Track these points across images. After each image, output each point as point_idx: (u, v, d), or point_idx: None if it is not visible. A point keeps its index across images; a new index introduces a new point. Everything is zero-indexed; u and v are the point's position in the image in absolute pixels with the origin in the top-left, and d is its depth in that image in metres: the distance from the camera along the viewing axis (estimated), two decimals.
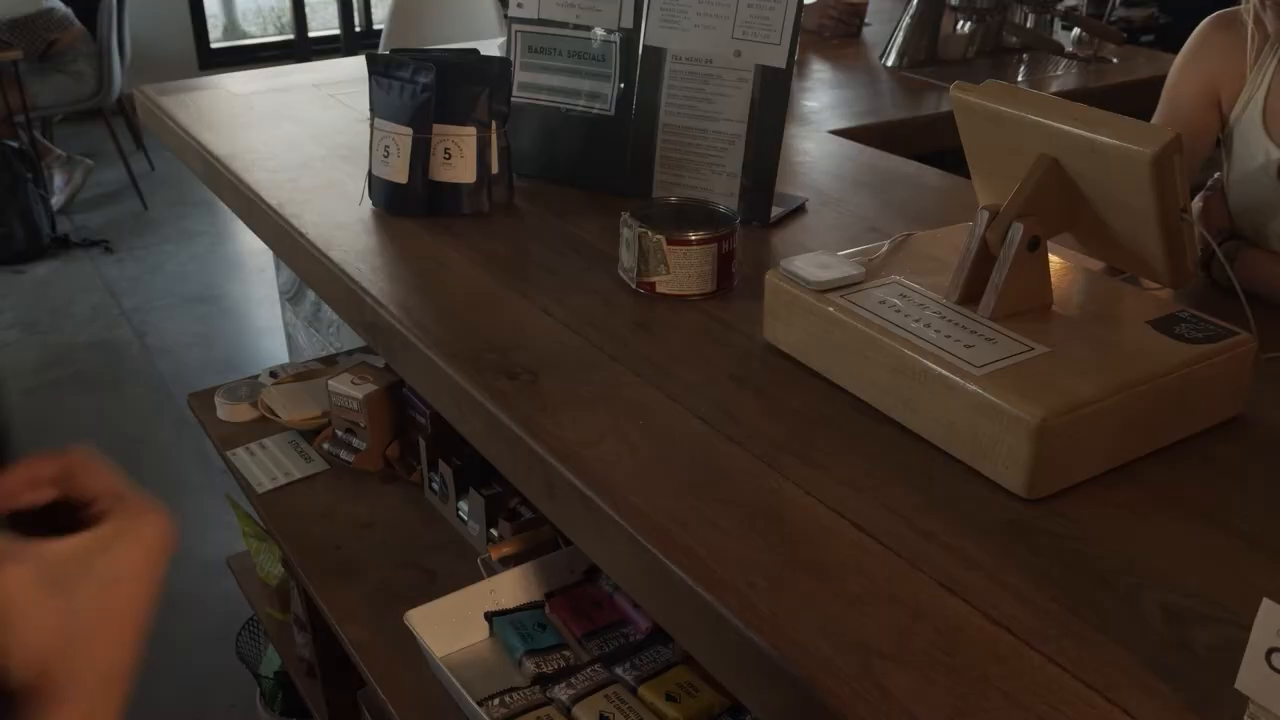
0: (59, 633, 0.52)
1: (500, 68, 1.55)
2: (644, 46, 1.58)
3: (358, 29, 4.62)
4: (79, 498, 0.58)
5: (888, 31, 2.60)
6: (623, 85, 1.61)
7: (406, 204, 1.56)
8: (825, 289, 1.13)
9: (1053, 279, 1.12)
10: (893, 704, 0.75)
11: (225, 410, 2.08)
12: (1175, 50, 1.52)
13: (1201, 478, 0.99)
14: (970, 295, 1.10)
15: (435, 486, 1.76)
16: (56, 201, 5.09)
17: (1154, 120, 1.47)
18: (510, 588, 1.45)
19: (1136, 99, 2.20)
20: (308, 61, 3.66)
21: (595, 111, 1.64)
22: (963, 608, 0.83)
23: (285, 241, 1.57)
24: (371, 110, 1.57)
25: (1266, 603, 0.64)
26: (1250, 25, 1.36)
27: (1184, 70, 1.44)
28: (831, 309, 1.11)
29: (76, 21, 5.14)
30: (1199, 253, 1.21)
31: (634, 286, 1.33)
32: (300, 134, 1.90)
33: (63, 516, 0.57)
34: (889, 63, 2.51)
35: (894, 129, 2.13)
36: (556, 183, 1.68)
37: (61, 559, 0.54)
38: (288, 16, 4.47)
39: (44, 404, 3.71)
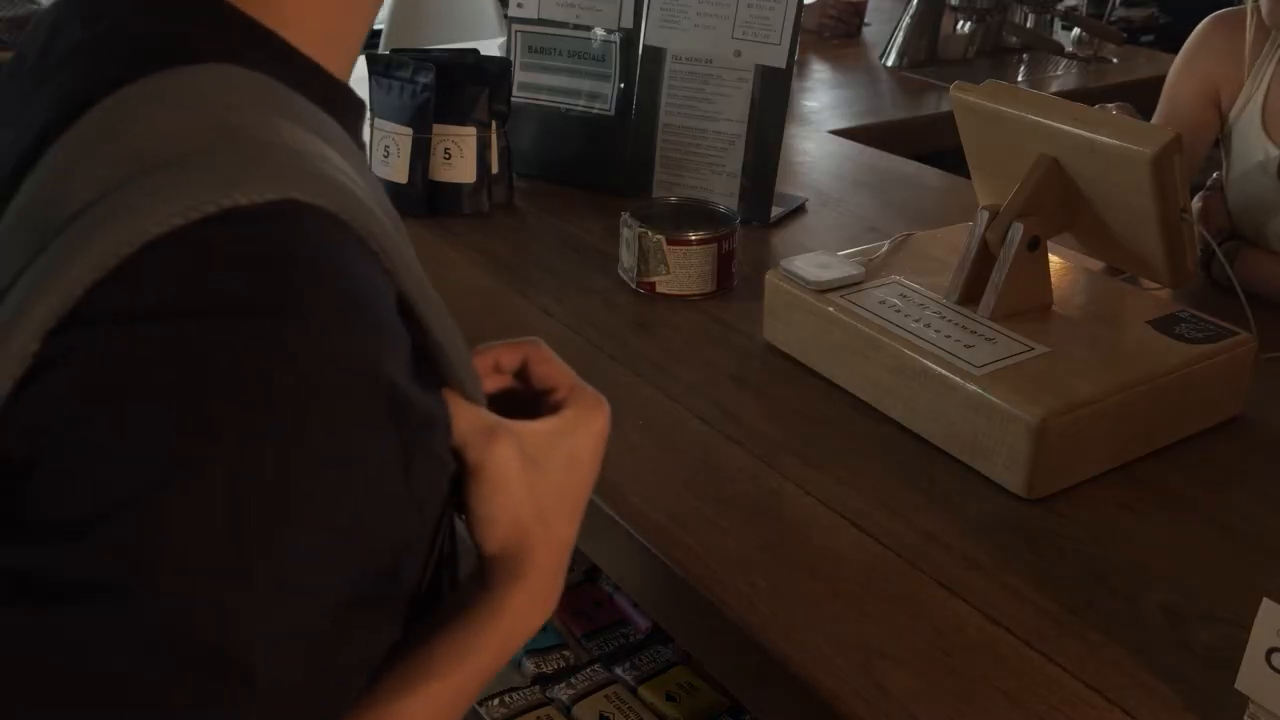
0: (533, 506, 0.58)
1: (500, 68, 1.56)
2: (644, 46, 1.58)
3: None
4: (536, 385, 0.64)
5: (888, 31, 2.60)
6: (623, 85, 1.61)
7: (406, 204, 1.55)
8: (825, 289, 1.13)
9: (1053, 279, 1.12)
10: (893, 704, 0.75)
11: None
12: (1175, 50, 1.52)
13: (1201, 478, 0.99)
14: (970, 295, 1.10)
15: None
16: None
17: (1154, 120, 1.47)
18: None
19: (1136, 99, 2.19)
20: None
21: (595, 111, 1.64)
22: (963, 608, 0.83)
23: None
24: (371, 110, 1.57)
25: (1266, 603, 0.64)
26: (1250, 24, 1.36)
27: (1184, 70, 1.44)
28: (831, 309, 1.11)
29: None
30: (1199, 253, 1.21)
31: (634, 286, 1.33)
32: None
33: (521, 402, 0.62)
34: (889, 63, 2.51)
35: (894, 129, 2.13)
36: (556, 183, 1.68)
37: (537, 439, 0.60)
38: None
39: None
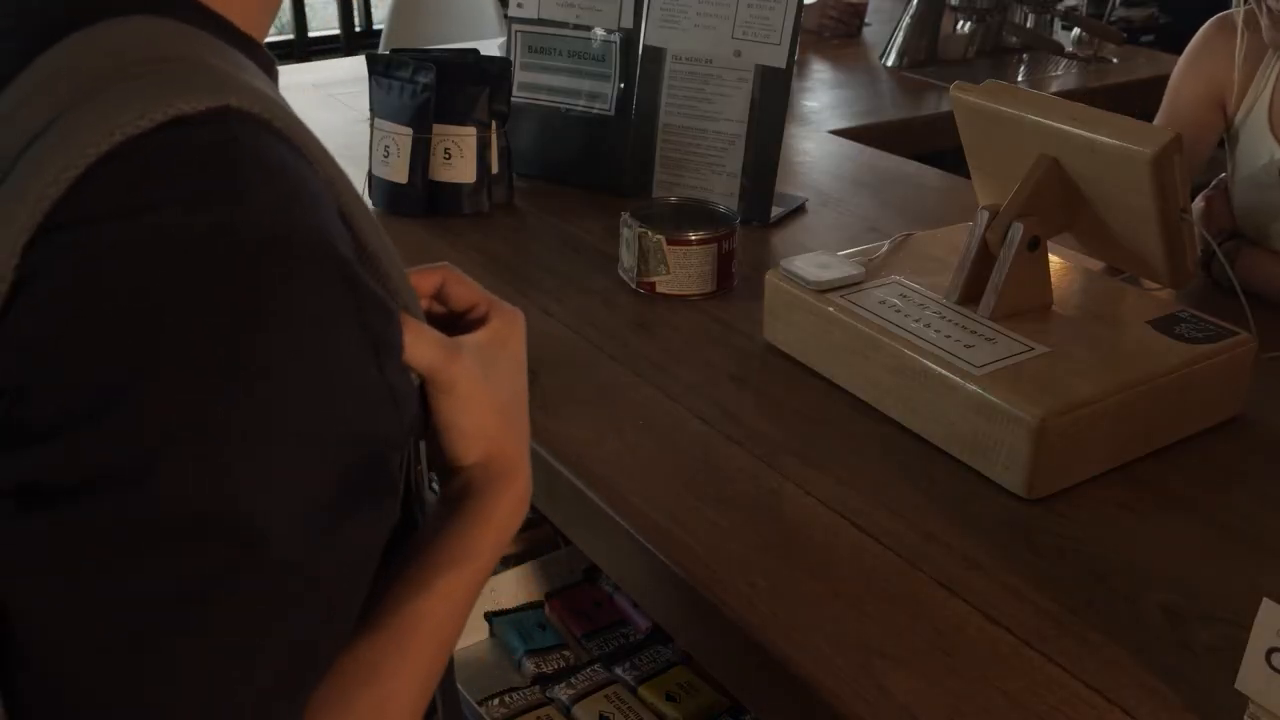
0: (498, 411, 0.64)
1: (500, 68, 1.55)
2: (644, 46, 1.58)
3: (358, 29, 4.62)
4: (455, 306, 0.69)
5: (888, 31, 2.60)
6: (623, 85, 1.61)
7: (406, 204, 1.56)
8: (825, 289, 1.13)
9: (1053, 279, 1.12)
10: (893, 704, 0.75)
11: None
12: (1175, 50, 1.52)
13: (1201, 478, 0.99)
14: (970, 295, 1.10)
15: (435, 487, 1.76)
16: None
17: (1156, 121, 1.47)
18: (510, 588, 1.45)
19: (1136, 99, 2.20)
20: (308, 61, 3.67)
21: (595, 111, 1.64)
22: (963, 608, 0.83)
23: None
24: (371, 110, 1.57)
25: (1266, 603, 0.64)
26: (1240, 31, 1.36)
27: (1186, 71, 1.44)
28: (831, 309, 1.11)
29: None
30: (1199, 253, 1.21)
31: (634, 286, 1.33)
32: None
33: (443, 323, 0.66)
34: (889, 63, 2.51)
35: (894, 129, 2.13)
36: (556, 183, 1.68)
37: (482, 349, 0.65)
38: (288, 16, 4.47)
39: None
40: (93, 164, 0.48)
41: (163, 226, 0.48)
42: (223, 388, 0.47)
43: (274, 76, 0.65)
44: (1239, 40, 1.36)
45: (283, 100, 0.59)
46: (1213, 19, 1.43)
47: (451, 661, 0.68)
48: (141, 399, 0.46)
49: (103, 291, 0.47)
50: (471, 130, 1.53)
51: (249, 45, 0.61)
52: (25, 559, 0.46)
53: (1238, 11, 1.37)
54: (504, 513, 0.65)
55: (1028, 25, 2.64)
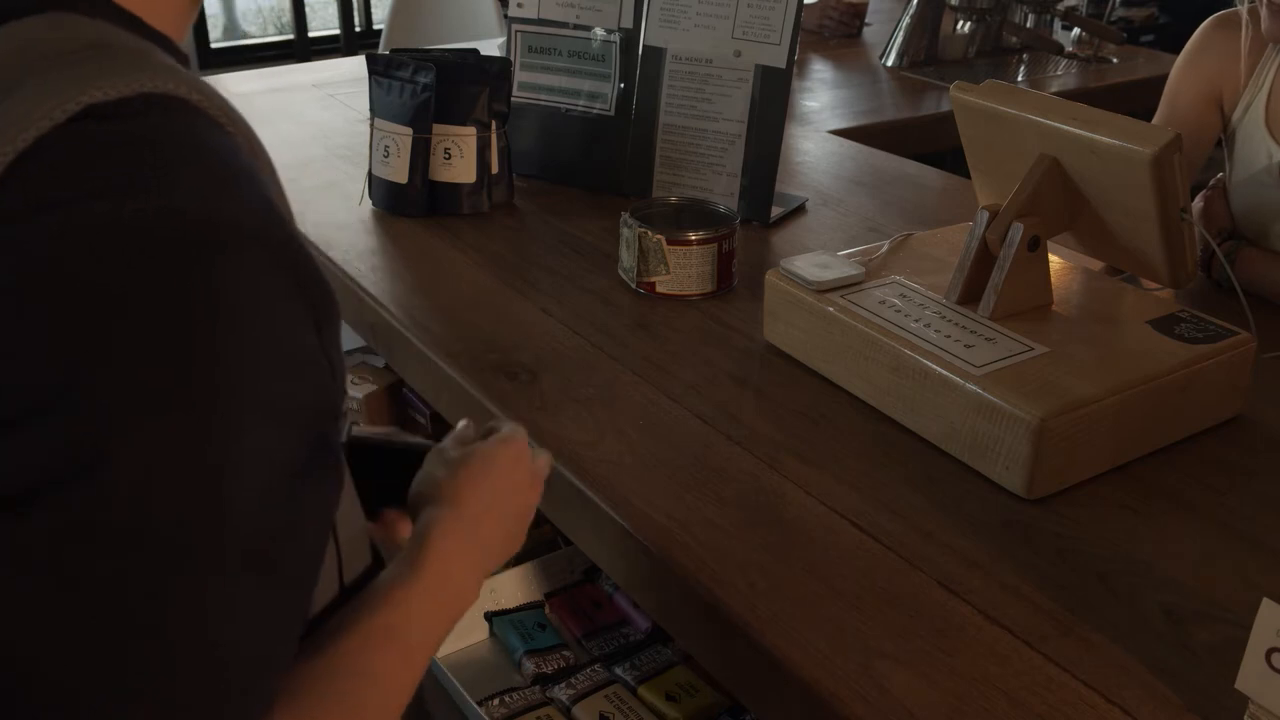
0: (467, 471, 0.76)
1: (500, 68, 1.55)
2: (644, 46, 1.58)
3: (358, 29, 4.62)
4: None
5: (888, 31, 2.60)
6: (623, 85, 1.61)
7: (406, 204, 1.56)
8: (825, 289, 1.13)
9: (1053, 279, 1.12)
10: (893, 704, 0.75)
11: None
12: (1175, 50, 1.52)
13: (1201, 478, 0.99)
14: (970, 295, 1.10)
15: None
16: None
17: (1155, 120, 1.47)
18: (510, 588, 1.45)
19: (1136, 99, 2.20)
20: (308, 61, 3.67)
21: (595, 111, 1.64)
22: (963, 608, 0.83)
23: None
24: (371, 110, 1.57)
25: (1266, 603, 0.64)
26: (1245, 24, 1.36)
27: (1185, 71, 1.44)
28: (831, 309, 1.11)
29: None
30: (1199, 253, 1.21)
31: (634, 286, 1.33)
32: (300, 134, 1.90)
33: None
34: (889, 63, 2.51)
35: (894, 129, 2.13)
36: (556, 183, 1.68)
37: (462, 444, 0.80)
38: (288, 16, 4.47)
39: None
40: (11, 163, 0.48)
41: (86, 219, 0.48)
42: (164, 375, 0.48)
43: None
44: (1244, 34, 1.36)
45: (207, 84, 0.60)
46: (1211, 18, 1.43)
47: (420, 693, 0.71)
48: (83, 395, 0.46)
49: (33, 290, 0.47)
50: (471, 130, 1.53)
51: (160, 43, 0.61)
52: None
53: (1240, 9, 1.37)
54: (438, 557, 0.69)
55: (1028, 25, 2.64)
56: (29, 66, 0.52)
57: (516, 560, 1.50)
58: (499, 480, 0.78)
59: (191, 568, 0.48)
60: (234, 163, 0.54)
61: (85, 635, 0.46)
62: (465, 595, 0.72)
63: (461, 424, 0.86)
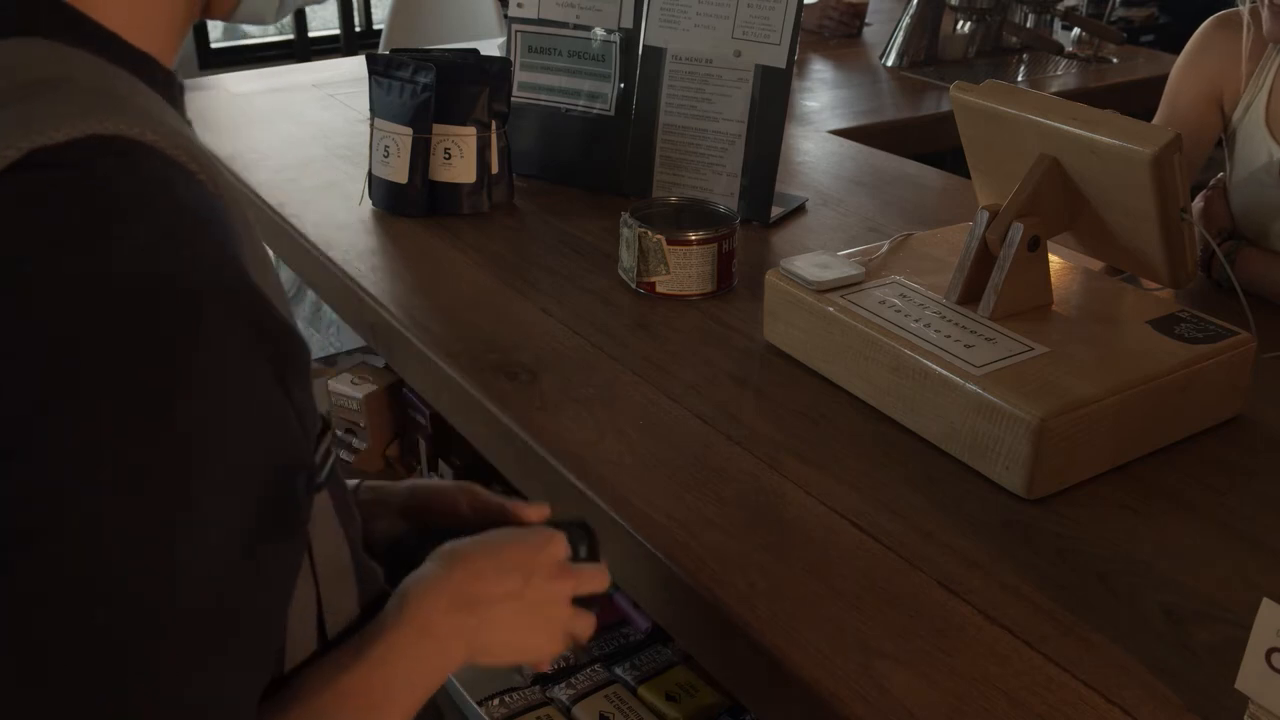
0: (476, 540, 0.73)
1: (500, 68, 1.55)
2: (644, 46, 1.58)
3: (358, 29, 4.62)
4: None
5: (888, 31, 2.60)
6: (623, 85, 1.61)
7: (406, 204, 1.56)
8: (825, 289, 1.13)
9: (1053, 279, 1.12)
10: (893, 704, 0.75)
11: None
12: (1175, 50, 1.52)
13: (1201, 478, 0.99)
14: (970, 295, 1.10)
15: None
16: None
17: (1156, 120, 1.47)
18: None
19: (1136, 99, 2.20)
20: (308, 61, 3.67)
21: (595, 111, 1.64)
22: (963, 608, 0.83)
23: (285, 241, 1.57)
24: (371, 110, 1.57)
25: (1266, 602, 0.64)
26: (1246, 24, 1.36)
27: (1185, 71, 1.44)
28: (831, 309, 1.11)
29: None
30: (1199, 253, 1.21)
31: (634, 286, 1.33)
32: (300, 134, 1.90)
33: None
34: (889, 63, 2.51)
35: (894, 129, 2.13)
36: (556, 183, 1.68)
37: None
38: (288, 16, 4.48)
39: None
40: None
41: (28, 278, 0.46)
42: (104, 442, 0.45)
43: (175, 95, 0.62)
44: (1245, 35, 1.36)
45: (174, 118, 0.56)
46: (1212, 18, 1.43)
47: None
48: (20, 465, 0.44)
49: None
50: (471, 130, 1.53)
51: (142, 63, 0.58)
52: None
53: (1241, 9, 1.37)
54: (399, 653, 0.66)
55: (1028, 25, 2.64)
56: None
57: None
58: (513, 555, 0.74)
59: (142, 633, 0.46)
60: (188, 210, 0.51)
61: (32, 701, 0.44)
62: (448, 657, 0.68)
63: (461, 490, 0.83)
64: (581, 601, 0.79)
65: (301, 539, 0.56)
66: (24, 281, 0.46)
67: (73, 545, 0.45)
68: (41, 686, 0.45)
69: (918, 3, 2.51)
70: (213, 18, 0.65)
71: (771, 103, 1.52)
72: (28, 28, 0.53)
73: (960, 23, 2.58)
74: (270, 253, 0.58)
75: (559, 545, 0.77)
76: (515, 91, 1.64)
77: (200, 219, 0.51)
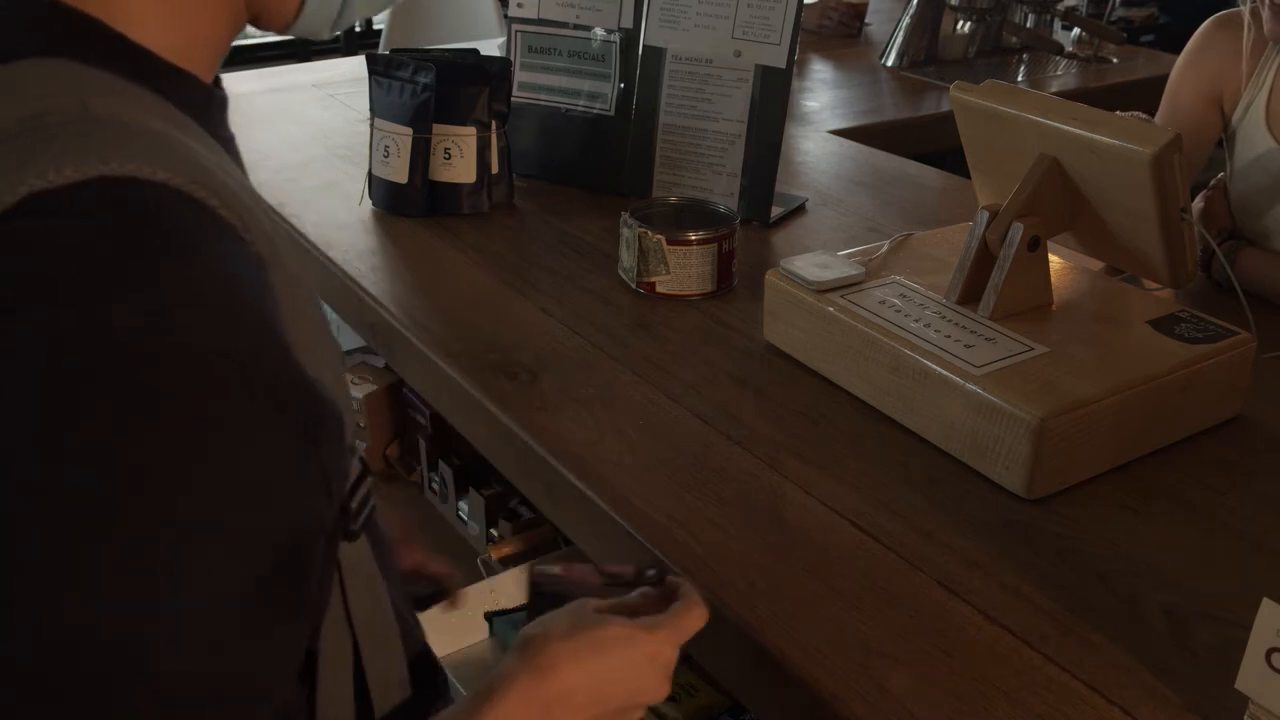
0: (576, 644, 0.68)
1: (500, 68, 1.55)
2: (644, 46, 1.58)
3: (358, 29, 4.62)
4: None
5: (888, 31, 2.60)
6: (623, 85, 1.61)
7: (406, 204, 1.56)
8: (825, 289, 1.13)
9: (1053, 279, 1.12)
10: (893, 704, 0.75)
11: None
12: (1175, 50, 1.52)
13: (1201, 478, 0.99)
14: (970, 295, 1.10)
15: (435, 486, 1.76)
16: None
17: (1156, 120, 1.47)
18: (510, 588, 1.45)
19: (1136, 99, 2.19)
20: (308, 61, 3.66)
21: (595, 111, 1.64)
22: (963, 608, 0.83)
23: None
24: (371, 110, 1.57)
25: (1266, 602, 0.64)
26: (1246, 24, 1.36)
27: (1186, 71, 1.44)
28: (831, 309, 1.11)
29: None
30: (1199, 253, 1.21)
31: (634, 286, 1.33)
32: (300, 134, 1.90)
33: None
34: (889, 63, 2.51)
35: (894, 129, 2.13)
36: (556, 183, 1.68)
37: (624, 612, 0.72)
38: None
39: None
40: None
41: (19, 333, 0.42)
42: (87, 516, 0.43)
43: (214, 113, 0.58)
44: (1245, 34, 1.36)
45: (203, 146, 0.52)
46: (1212, 18, 1.43)
47: None
48: (12, 524, 0.42)
49: None
50: (471, 130, 1.53)
51: (177, 82, 0.54)
52: None
53: (1242, 9, 1.37)
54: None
55: (1028, 25, 2.64)
56: None
57: (516, 560, 1.50)
58: (611, 672, 0.68)
59: (120, 689, 0.44)
60: (208, 261, 0.46)
61: None
62: None
63: (637, 592, 0.76)
64: None
65: (309, 612, 0.53)
66: (10, 336, 0.42)
67: (59, 597, 0.43)
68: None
69: (918, 3, 2.51)
70: (264, 28, 0.61)
71: (771, 103, 1.52)
72: (51, 47, 0.50)
73: (960, 23, 2.58)
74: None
75: (674, 650, 0.72)
76: (515, 91, 1.64)
77: (209, 273, 0.47)
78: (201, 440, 0.45)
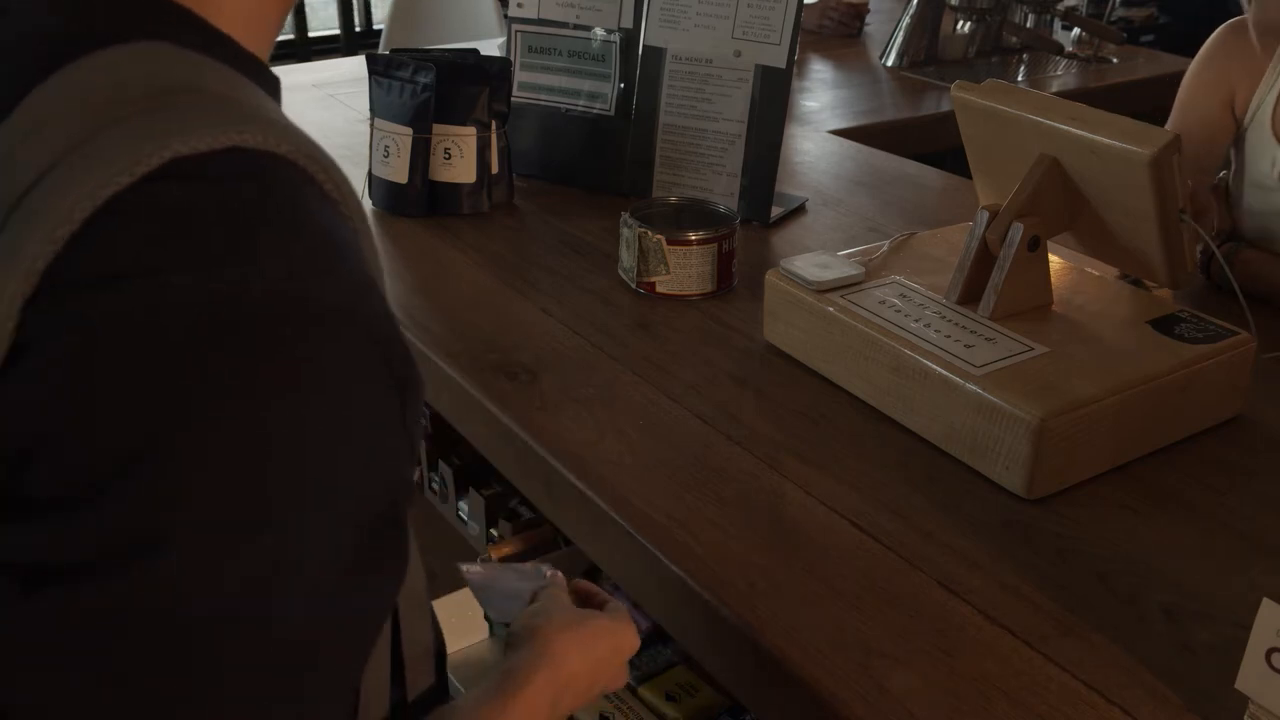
0: (579, 635, 0.76)
1: (500, 68, 1.55)
2: (644, 46, 1.58)
3: (358, 29, 4.62)
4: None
5: (888, 31, 2.60)
6: (623, 85, 1.61)
7: (406, 204, 1.56)
8: (825, 289, 1.13)
9: (1053, 279, 1.12)
10: (893, 704, 0.75)
11: None
12: (1175, 50, 1.52)
13: (1201, 478, 0.99)
14: (970, 295, 1.10)
15: (435, 486, 1.76)
16: None
17: (1169, 125, 1.46)
18: None
19: (1136, 99, 2.20)
20: (308, 61, 3.67)
21: (595, 111, 1.64)
22: (963, 608, 0.83)
23: None
24: (371, 110, 1.57)
25: (1266, 602, 0.64)
26: (1253, 28, 1.36)
27: (1200, 74, 1.44)
28: (831, 309, 1.11)
29: None
30: (1199, 253, 1.21)
31: (634, 286, 1.33)
32: None
33: None
34: (889, 63, 2.51)
35: (894, 129, 2.13)
36: (556, 183, 1.68)
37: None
38: (288, 16, 4.48)
39: None
40: (88, 218, 0.45)
41: (167, 293, 0.45)
42: (234, 463, 0.45)
43: (278, 99, 0.62)
44: (1254, 41, 1.36)
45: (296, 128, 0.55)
46: (1226, 23, 1.43)
47: None
48: (147, 476, 0.44)
49: (107, 362, 0.44)
50: (471, 130, 1.53)
51: (254, 67, 0.57)
52: (25, 648, 0.44)
53: (1247, 14, 1.37)
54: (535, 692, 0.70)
55: (1028, 25, 2.64)
56: (113, 111, 0.47)
57: (516, 560, 1.50)
58: (600, 660, 0.77)
59: (238, 676, 0.46)
60: (329, 230, 0.50)
61: (106, 706, 0.44)
62: None
63: (551, 570, 0.85)
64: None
65: (402, 557, 0.55)
66: (161, 298, 0.44)
67: (168, 569, 0.44)
68: (123, 687, 0.44)
69: (918, 3, 2.51)
70: None
71: (771, 103, 1.52)
72: (157, 31, 0.52)
73: (960, 23, 2.58)
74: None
75: (635, 639, 0.82)
76: (515, 91, 1.64)
77: (336, 241, 0.50)
78: (329, 395, 0.48)
